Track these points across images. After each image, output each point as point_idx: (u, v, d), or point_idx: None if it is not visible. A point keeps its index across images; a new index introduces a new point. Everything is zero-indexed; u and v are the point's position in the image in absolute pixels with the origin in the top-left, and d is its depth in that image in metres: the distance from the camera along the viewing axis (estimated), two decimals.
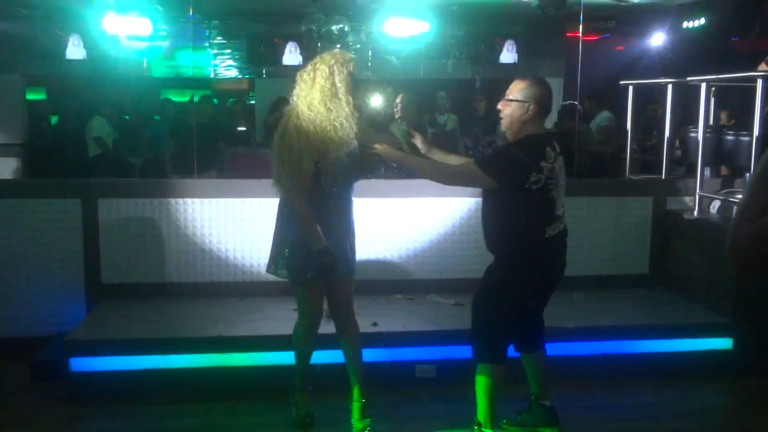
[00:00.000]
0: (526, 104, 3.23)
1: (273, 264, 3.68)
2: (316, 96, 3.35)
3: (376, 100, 6.83)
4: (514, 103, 3.26)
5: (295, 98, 3.44)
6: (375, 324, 4.40)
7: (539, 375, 3.66)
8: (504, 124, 3.34)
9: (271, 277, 5.00)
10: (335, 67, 3.36)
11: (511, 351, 3.55)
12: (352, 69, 3.39)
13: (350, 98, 3.36)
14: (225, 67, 11.43)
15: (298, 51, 9.98)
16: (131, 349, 4.15)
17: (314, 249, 3.35)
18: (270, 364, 4.21)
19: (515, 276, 3.32)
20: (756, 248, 1.23)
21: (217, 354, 4.20)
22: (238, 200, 5.00)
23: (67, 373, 4.07)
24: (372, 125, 4.34)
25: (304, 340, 3.74)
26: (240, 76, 11.56)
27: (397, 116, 5.93)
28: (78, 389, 4.08)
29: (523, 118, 3.24)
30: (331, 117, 3.33)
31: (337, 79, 3.35)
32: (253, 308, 4.74)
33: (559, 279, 3.47)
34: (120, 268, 4.92)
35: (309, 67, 3.44)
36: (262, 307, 4.75)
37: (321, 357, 3.97)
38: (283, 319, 4.51)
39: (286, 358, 4.20)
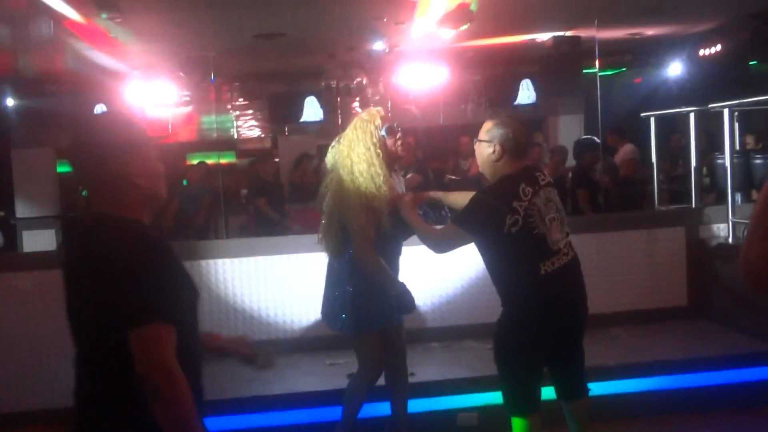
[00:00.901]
0: (492, 144, 3.20)
1: (328, 317, 3.70)
2: (355, 157, 3.44)
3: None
4: (482, 144, 3.24)
5: (337, 159, 3.53)
6: (412, 374, 4.35)
7: (576, 428, 3.42)
8: (479, 165, 3.35)
9: (306, 333, 5.03)
10: (370, 127, 3.45)
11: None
12: (386, 124, 3.48)
13: (384, 156, 3.45)
14: (247, 127, 11.63)
15: (318, 106, 10.14)
16: None
17: (393, 292, 3.44)
18: (309, 422, 4.16)
19: (517, 319, 3.18)
20: (767, 267, 1.21)
21: (256, 414, 4.17)
22: (268, 258, 5.03)
23: None
24: None
25: (364, 393, 3.72)
26: (262, 135, 11.75)
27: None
28: None
29: (491, 158, 3.21)
30: (372, 174, 3.40)
31: (373, 139, 3.43)
32: (289, 365, 4.72)
33: (574, 312, 3.23)
34: None
35: (349, 128, 3.54)
36: (298, 363, 4.73)
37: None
38: (320, 374, 4.50)
39: (324, 414, 4.17)
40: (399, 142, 3.49)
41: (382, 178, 3.42)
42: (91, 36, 7.68)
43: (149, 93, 8.53)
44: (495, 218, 3.06)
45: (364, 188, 3.41)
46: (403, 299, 3.44)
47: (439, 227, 3.45)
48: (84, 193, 9.55)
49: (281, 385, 4.38)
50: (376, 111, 3.55)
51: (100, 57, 8.76)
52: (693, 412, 4.30)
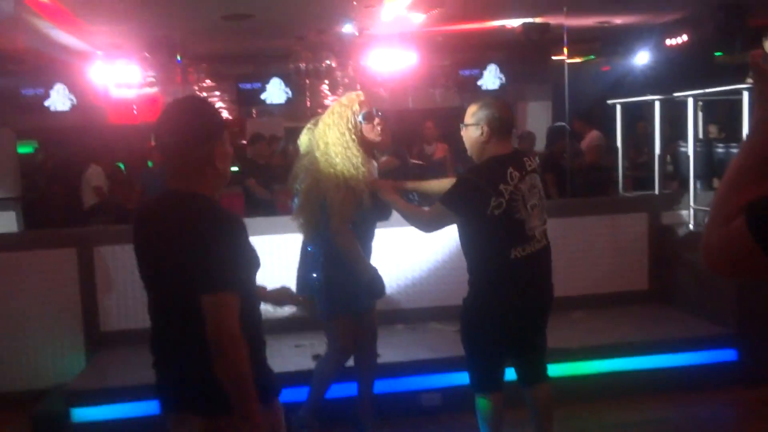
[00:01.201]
0: (479, 126, 3.23)
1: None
2: (330, 141, 3.43)
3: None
4: (469, 128, 3.27)
5: (312, 142, 3.52)
6: (378, 355, 4.37)
7: (536, 414, 3.44)
8: (467, 149, 3.36)
9: (272, 314, 5.00)
10: (347, 112, 3.43)
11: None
12: (364, 110, 3.45)
13: (360, 141, 3.44)
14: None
15: (282, 88, 10.07)
16: (134, 395, 4.11)
17: (365, 277, 3.45)
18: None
19: (482, 300, 3.23)
20: (727, 251, 1.24)
21: None
22: None
23: (68, 424, 4.02)
24: None
25: (332, 374, 3.74)
26: (230, 117, 11.65)
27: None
28: None
29: (480, 140, 3.23)
30: (349, 156, 3.40)
31: (349, 124, 3.42)
32: None
33: (539, 299, 3.28)
34: (119, 315, 4.89)
35: (327, 111, 3.53)
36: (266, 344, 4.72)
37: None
38: (288, 355, 4.49)
39: (289, 395, 4.17)
40: (378, 128, 3.47)
41: (360, 159, 3.41)
42: (53, 15, 7.52)
43: (113, 73, 8.40)
44: (480, 199, 3.09)
45: (341, 168, 3.40)
46: (375, 284, 3.46)
47: (425, 208, 3.46)
48: (121, 165, 9.40)
49: None
50: (356, 96, 3.52)
51: (63, 36, 8.58)
52: (653, 394, 4.40)
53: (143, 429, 4.04)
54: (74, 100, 9.77)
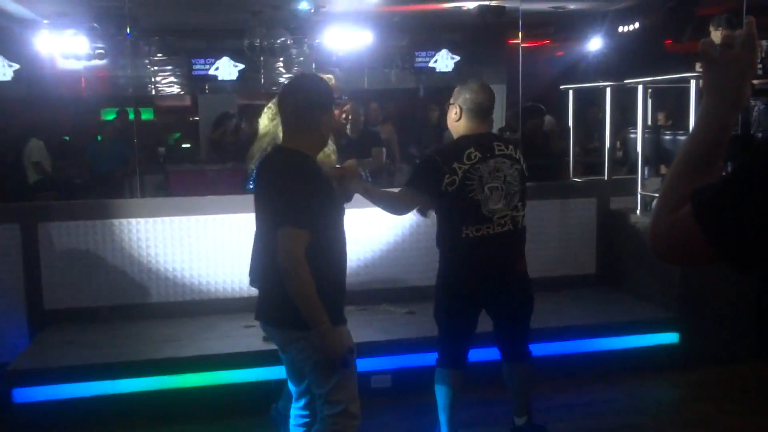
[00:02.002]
0: (455, 106, 3.36)
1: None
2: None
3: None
4: (449, 107, 3.41)
5: (274, 123, 3.46)
6: None
7: (513, 391, 3.61)
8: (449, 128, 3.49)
9: (221, 295, 4.97)
10: None
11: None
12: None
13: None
14: (166, 84, 11.27)
15: (232, 65, 9.91)
16: (77, 375, 4.03)
17: None
18: (225, 383, 4.14)
19: (442, 277, 3.38)
20: (674, 239, 1.26)
21: (169, 376, 4.11)
22: (184, 218, 4.92)
23: (9, 404, 3.92)
24: None
25: None
26: (181, 93, 11.41)
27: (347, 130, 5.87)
28: (22, 421, 3.94)
29: (453, 120, 3.37)
30: None
31: None
32: (205, 327, 4.66)
33: (494, 282, 3.36)
34: (63, 293, 4.78)
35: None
36: (214, 325, 4.68)
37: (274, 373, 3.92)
38: (236, 336, 4.46)
39: (241, 376, 4.15)
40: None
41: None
42: None
43: (60, 44, 8.14)
44: (434, 175, 3.24)
45: None
46: None
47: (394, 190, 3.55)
48: (178, 135, 9.03)
49: (196, 347, 4.32)
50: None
51: (6, 3, 8.26)
52: (598, 376, 4.50)
53: (87, 410, 3.98)
54: (15, 69, 9.41)
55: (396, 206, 3.42)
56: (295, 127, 2.68)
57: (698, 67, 6.05)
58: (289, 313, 2.56)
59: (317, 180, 2.61)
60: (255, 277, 3.47)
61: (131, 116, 8.86)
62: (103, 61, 9.25)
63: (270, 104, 3.60)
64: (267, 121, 3.58)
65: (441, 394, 3.47)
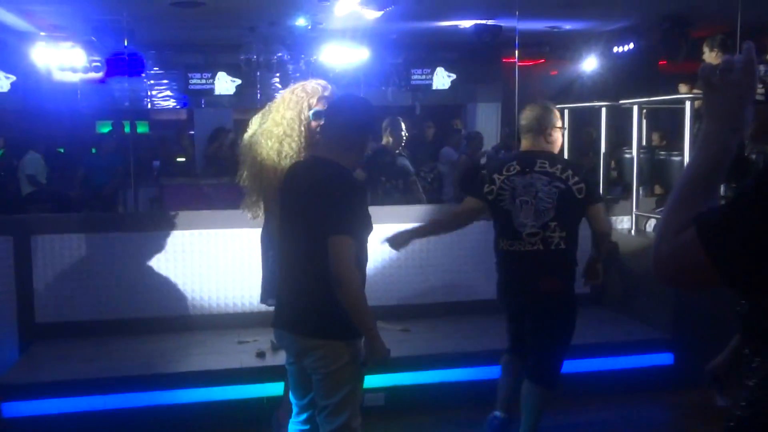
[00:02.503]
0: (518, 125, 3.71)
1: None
2: (273, 130, 3.35)
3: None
4: None
5: (259, 132, 3.44)
6: None
7: (521, 408, 3.59)
8: None
9: (215, 310, 4.94)
10: (304, 103, 3.35)
11: None
12: (315, 106, 3.36)
13: (306, 135, 3.35)
14: (162, 98, 11.28)
15: (233, 80, 9.94)
16: (69, 390, 3.99)
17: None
18: (217, 399, 4.10)
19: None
20: (678, 263, 1.26)
21: (161, 392, 4.08)
22: (178, 233, 4.90)
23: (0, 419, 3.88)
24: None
25: None
26: (177, 107, 11.43)
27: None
28: None
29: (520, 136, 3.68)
30: (283, 151, 3.31)
31: (302, 115, 3.34)
32: (198, 342, 4.63)
33: (521, 300, 3.53)
34: (55, 306, 4.74)
35: (287, 91, 3.45)
36: (207, 341, 4.65)
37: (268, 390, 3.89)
38: (229, 352, 4.43)
39: (234, 392, 4.12)
40: (318, 129, 3.38)
41: (295, 149, 3.33)
42: None
43: (57, 56, 8.15)
44: (479, 182, 3.61)
45: (278, 149, 3.31)
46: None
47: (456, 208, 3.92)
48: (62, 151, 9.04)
49: (188, 363, 4.29)
50: (321, 90, 3.40)
51: (4, 15, 8.28)
52: (591, 397, 4.47)
53: (78, 425, 3.94)
54: (11, 81, 9.42)
55: (453, 220, 3.78)
56: (341, 143, 2.74)
57: (682, 89, 6.11)
58: (317, 320, 2.64)
59: (362, 194, 2.71)
60: (270, 291, 3.42)
61: (127, 129, 8.87)
62: (100, 74, 9.27)
63: (258, 114, 3.57)
64: (256, 128, 3.53)
65: (502, 371, 3.73)
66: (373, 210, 2.77)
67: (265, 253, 3.60)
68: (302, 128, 3.33)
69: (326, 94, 3.38)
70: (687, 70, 8.21)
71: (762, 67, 4.48)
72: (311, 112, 3.33)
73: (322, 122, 3.30)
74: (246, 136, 3.59)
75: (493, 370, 3.84)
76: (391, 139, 5.85)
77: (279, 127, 3.34)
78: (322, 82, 3.47)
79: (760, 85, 4.68)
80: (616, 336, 4.83)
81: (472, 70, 10.97)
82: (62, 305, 4.75)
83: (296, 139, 3.31)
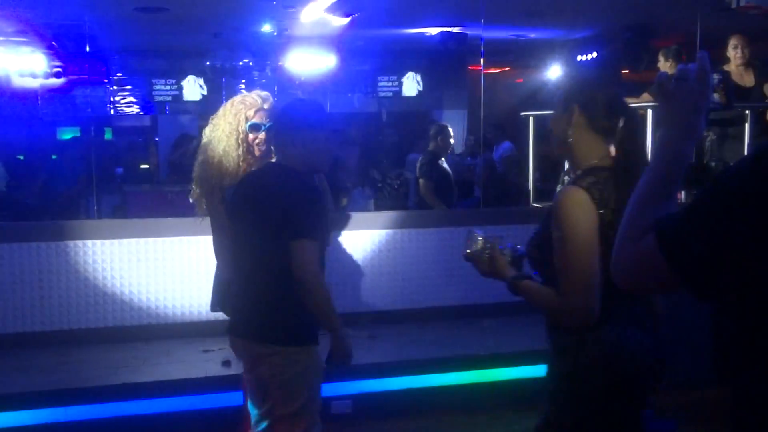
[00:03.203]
0: None
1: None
2: (216, 138, 3.32)
3: None
4: None
5: (206, 138, 3.41)
6: None
7: None
8: None
9: (179, 319, 4.88)
10: (242, 115, 3.31)
11: None
12: (251, 118, 3.31)
13: (244, 147, 3.30)
14: (126, 104, 11.13)
15: (199, 86, 9.85)
16: (27, 403, 3.90)
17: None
18: (182, 409, 4.04)
19: None
20: (638, 267, 1.28)
21: (123, 402, 4.00)
22: (142, 240, 4.83)
23: None
24: None
25: None
26: (141, 113, 11.28)
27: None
28: None
29: None
30: (224, 161, 3.28)
31: (240, 127, 3.30)
32: (161, 352, 4.56)
33: None
34: (14, 317, 4.64)
35: (228, 103, 3.41)
36: (171, 350, 4.58)
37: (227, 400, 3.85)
38: (193, 361, 4.38)
39: (198, 402, 4.06)
40: (258, 141, 3.32)
41: (230, 166, 3.28)
42: None
43: (17, 62, 7.99)
44: None
45: (218, 160, 3.27)
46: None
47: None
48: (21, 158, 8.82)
49: (151, 373, 4.23)
50: (256, 100, 3.38)
51: None
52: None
53: None
54: None
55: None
56: (291, 147, 2.71)
57: (646, 98, 6.21)
58: (273, 326, 2.62)
59: (318, 196, 2.70)
60: (219, 300, 3.38)
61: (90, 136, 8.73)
62: (61, 80, 9.12)
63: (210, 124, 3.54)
64: (209, 133, 3.50)
65: None
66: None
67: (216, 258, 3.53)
68: (239, 141, 3.28)
69: (265, 106, 3.31)
70: (648, 79, 8.36)
71: (716, 76, 4.59)
72: (247, 124, 3.28)
73: (261, 135, 3.26)
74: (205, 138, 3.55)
75: (461, 376, 3.84)
76: (439, 145, 6.55)
77: (220, 143, 3.30)
78: (264, 93, 3.40)
79: (716, 94, 4.79)
80: None
81: (439, 78, 11.02)
82: (21, 316, 4.65)
83: (233, 155, 3.27)
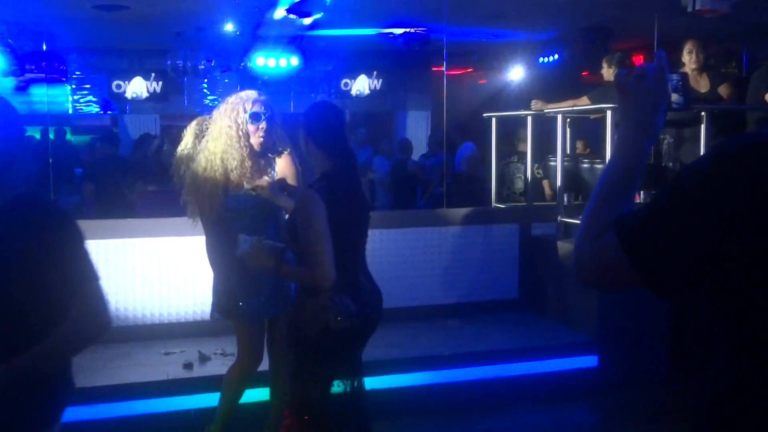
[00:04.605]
0: None
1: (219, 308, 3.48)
2: (214, 136, 3.30)
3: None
4: None
5: (198, 151, 3.38)
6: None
7: None
8: None
9: (140, 321, 4.81)
10: (239, 108, 3.30)
11: None
12: (250, 109, 3.31)
13: (246, 141, 3.30)
14: (85, 103, 10.94)
15: (155, 86, 9.73)
16: None
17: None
18: (141, 413, 3.99)
19: None
20: (598, 265, 1.29)
21: (82, 407, 3.92)
22: (102, 242, 4.75)
23: None
24: None
25: (244, 382, 3.50)
26: (101, 112, 11.10)
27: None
28: None
29: None
30: (227, 159, 3.26)
31: (239, 118, 3.28)
32: (119, 355, 4.49)
33: None
34: None
35: (222, 104, 3.39)
36: (129, 353, 4.51)
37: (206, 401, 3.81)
38: (153, 364, 4.32)
39: (158, 405, 4.01)
40: (260, 132, 3.33)
41: (235, 162, 3.29)
42: None
43: None
44: None
45: (220, 158, 3.27)
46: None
47: None
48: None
49: (109, 376, 4.16)
50: (252, 93, 3.39)
51: None
52: (520, 400, 4.54)
53: None
54: None
55: None
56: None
57: (585, 99, 6.31)
58: None
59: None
60: (219, 307, 3.46)
61: (51, 136, 8.57)
62: (18, 79, 8.93)
63: (193, 123, 3.53)
64: (190, 141, 3.49)
65: None
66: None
67: (216, 266, 3.45)
68: (240, 133, 3.28)
69: (262, 98, 3.37)
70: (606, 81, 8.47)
71: (675, 77, 4.67)
72: (247, 114, 3.29)
73: (262, 125, 3.28)
74: (180, 149, 3.51)
75: (424, 377, 3.85)
76: None
77: (217, 141, 3.28)
78: (259, 91, 3.45)
79: (676, 95, 4.86)
80: (542, 339, 4.93)
81: (402, 78, 11.05)
82: None
83: (236, 147, 3.27)
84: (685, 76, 5.06)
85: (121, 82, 9.86)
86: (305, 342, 2.82)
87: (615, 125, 5.01)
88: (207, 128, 3.43)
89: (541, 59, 10.16)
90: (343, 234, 2.79)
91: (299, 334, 2.84)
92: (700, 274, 1.16)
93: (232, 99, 3.38)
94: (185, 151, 3.46)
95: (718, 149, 1.17)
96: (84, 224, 4.89)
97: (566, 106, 6.11)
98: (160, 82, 9.85)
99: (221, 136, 3.30)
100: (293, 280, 2.93)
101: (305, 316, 2.80)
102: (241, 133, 3.29)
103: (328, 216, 2.72)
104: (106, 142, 7.91)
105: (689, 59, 5.79)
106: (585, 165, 5.91)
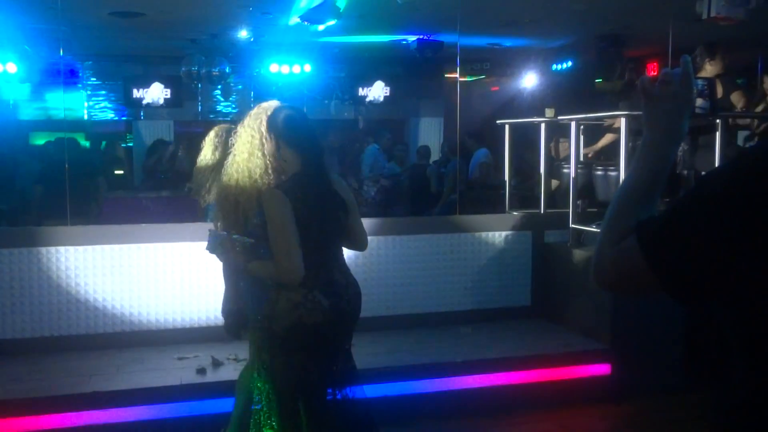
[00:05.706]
0: None
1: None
2: (240, 149, 3.31)
3: None
4: None
5: (231, 156, 3.39)
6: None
7: None
8: None
9: (154, 326, 4.83)
10: (263, 116, 3.31)
11: None
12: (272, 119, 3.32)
13: (270, 151, 3.31)
14: (99, 109, 11.03)
15: (169, 92, 9.79)
16: None
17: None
18: (156, 418, 4.00)
19: None
20: (619, 270, 1.29)
21: (96, 411, 3.96)
22: (116, 246, 4.79)
23: None
24: None
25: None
26: (116, 118, 11.19)
27: None
28: None
29: None
30: (252, 168, 3.27)
31: (261, 128, 3.29)
32: (133, 360, 4.51)
33: None
34: None
35: (247, 114, 3.40)
36: (143, 358, 4.54)
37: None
38: (167, 368, 4.34)
39: (172, 410, 4.03)
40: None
41: (260, 171, 3.29)
42: None
43: None
44: None
45: (242, 171, 3.27)
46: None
47: None
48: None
49: (125, 380, 4.18)
50: (274, 103, 3.39)
51: None
52: (532, 408, 4.53)
53: None
54: None
55: None
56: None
57: (623, 107, 6.29)
58: None
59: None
60: (231, 327, 3.43)
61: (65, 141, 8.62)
62: (34, 84, 9.03)
63: (211, 134, 3.55)
64: (209, 152, 3.51)
65: None
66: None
67: (230, 281, 3.45)
68: (263, 141, 3.28)
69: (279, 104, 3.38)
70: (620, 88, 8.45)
71: (701, 82, 4.64)
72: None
73: None
74: (199, 160, 3.52)
75: (435, 383, 3.84)
76: None
77: (242, 153, 3.28)
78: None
79: (700, 99, 4.84)
80: (555, 347, 4.91)
81: (415, 85, 11.07)
82: None
83: (259, 155, 3.26)
84: (711, 81, 5.03)
85: (139, 89, 9.91)
86: (277, 335, 2.85)
87: (631, 132, 4.99)
88: (224, 138, 3.44)
89: (554, 66, 10.15)
90: (312, 230, 2.82)
91: (271, 327, 2.86)
92: (721, 282, 1.15)
93: (254, 110, 3.38)
94: (204, 162, 3.47)
95: (741, 156, 1.17)
96: (98, 229, 4.98)
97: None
98: (174, 89, 9.91)
99: (245, 146, 3.30)
100: (260, 274, 2.93)
101: (277, 310, 2.83)
102: (264, 140, 3.29)
103: (297, 214, 2.79)
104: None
105: (712, 64, 5.73)
106: (599, 172, 5.89)
